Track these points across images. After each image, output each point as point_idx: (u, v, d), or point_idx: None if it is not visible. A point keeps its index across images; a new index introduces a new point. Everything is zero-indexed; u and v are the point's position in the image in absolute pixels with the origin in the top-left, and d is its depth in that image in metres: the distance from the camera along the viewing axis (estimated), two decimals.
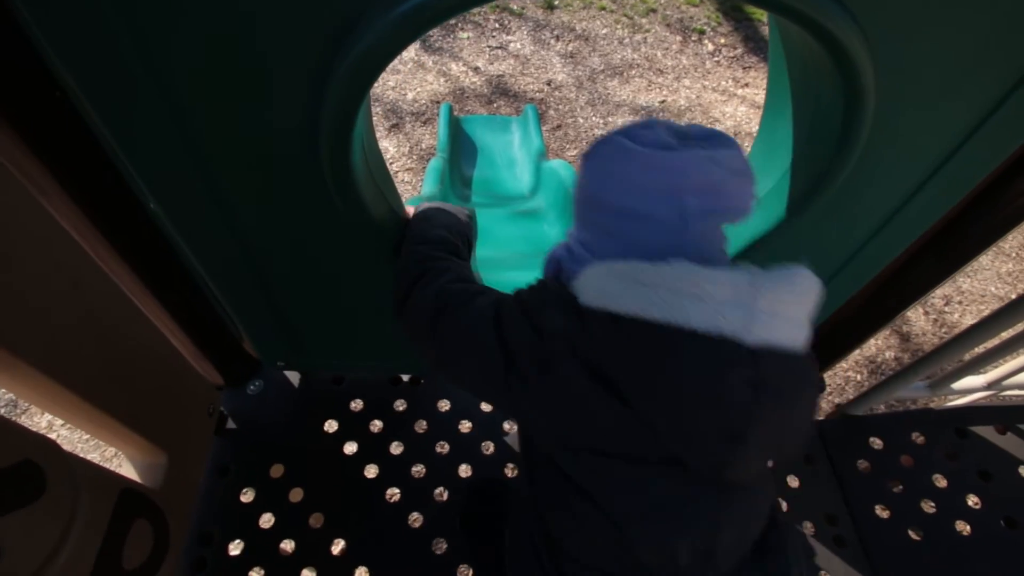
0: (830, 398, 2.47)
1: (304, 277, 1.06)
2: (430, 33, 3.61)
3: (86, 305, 0.86)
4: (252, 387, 1.32)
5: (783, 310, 0.54)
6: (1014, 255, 3.14)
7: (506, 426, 1.32)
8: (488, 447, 1.29)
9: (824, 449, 1.34)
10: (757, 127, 3.92)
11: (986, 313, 2.93)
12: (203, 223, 0.92)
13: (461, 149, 2.94)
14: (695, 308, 0.52)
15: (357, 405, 1.33)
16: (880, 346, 2.71)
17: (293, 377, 1.36)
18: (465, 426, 1.32)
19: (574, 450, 0.61)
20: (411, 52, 3.49)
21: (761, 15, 3.94)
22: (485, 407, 1.35)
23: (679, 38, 3.76)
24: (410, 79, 3.36)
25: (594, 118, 3.45)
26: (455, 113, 3.05)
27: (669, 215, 0.58)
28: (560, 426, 0.61)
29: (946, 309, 2.94)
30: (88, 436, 2.04)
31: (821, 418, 1.43)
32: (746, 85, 3.60)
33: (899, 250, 1.04)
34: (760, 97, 3.54)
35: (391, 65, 3.44)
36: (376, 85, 3.37)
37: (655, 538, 0.59)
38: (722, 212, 0.61)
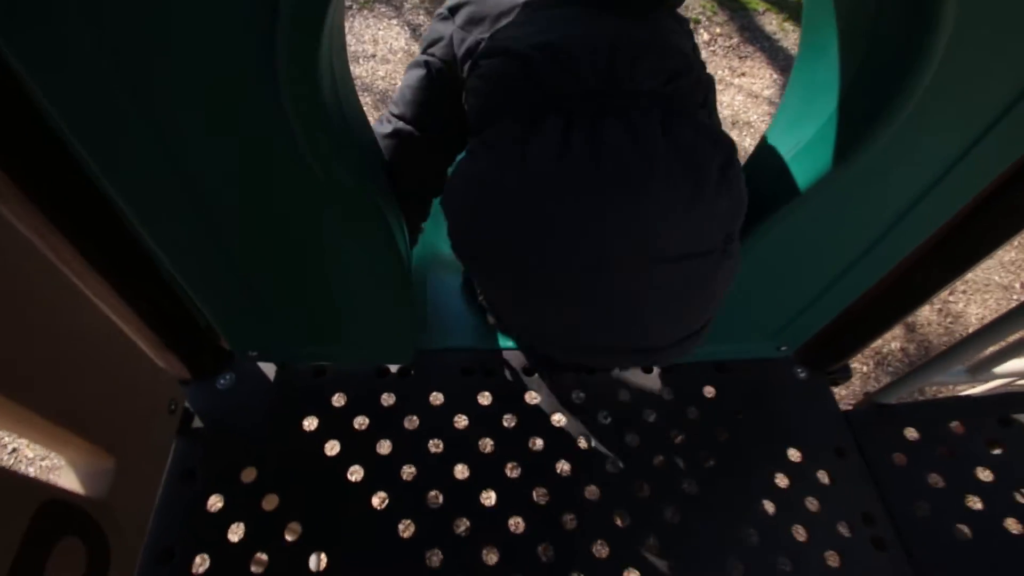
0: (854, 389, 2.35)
1: (274, 251, 0.91)
2: (421, 23, 3.47)
3: (13, 285, 0.70)
4: (222, 381, 1.16)
5: None
6: (1016, 243, 3.04)
7: (505, 421, 1.17)
8: (486, 444, 1.14)
9: (854, 440, 1.20)
10: (755, 116, 3.78)
11: (990, 302, 2.83)
12: (156, 188, 0.76)
13: None
14: None
15: (340, 400, 1.17)
16: (885, 337, 2.59)
17: (268, 370, 1.20)
18: (461, 421, 1.17)
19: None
20: (401, 42, 3.35)
21: (757, 4, 3.83)
22: (483, 400, 1.19)
23: None
24: (400, 68, 3.21)
25: None
26: None
27: None
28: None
29: (950, 299, 2.84)
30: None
31: (849, 407, 1.29)
32: (743, 74, 3.48)
33: (948, 215, 0.90)
34: (757, 86, 3.43)
35: (381, 55, 3.29)
36: (366, 75, 3.22)
37: (575, 51, 0.66)
38: None
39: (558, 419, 1.18)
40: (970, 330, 1.82)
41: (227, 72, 0.61)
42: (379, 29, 3.40)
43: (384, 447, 1.12)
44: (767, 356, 1.23)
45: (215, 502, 1.05)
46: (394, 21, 3.46)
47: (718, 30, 3.70)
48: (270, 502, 1.05)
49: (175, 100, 0.65)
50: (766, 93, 3.41)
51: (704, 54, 3.57)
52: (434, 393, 1.19)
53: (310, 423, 1.15)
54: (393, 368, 1.22)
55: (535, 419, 1.17)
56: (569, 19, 0.70)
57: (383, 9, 3.48)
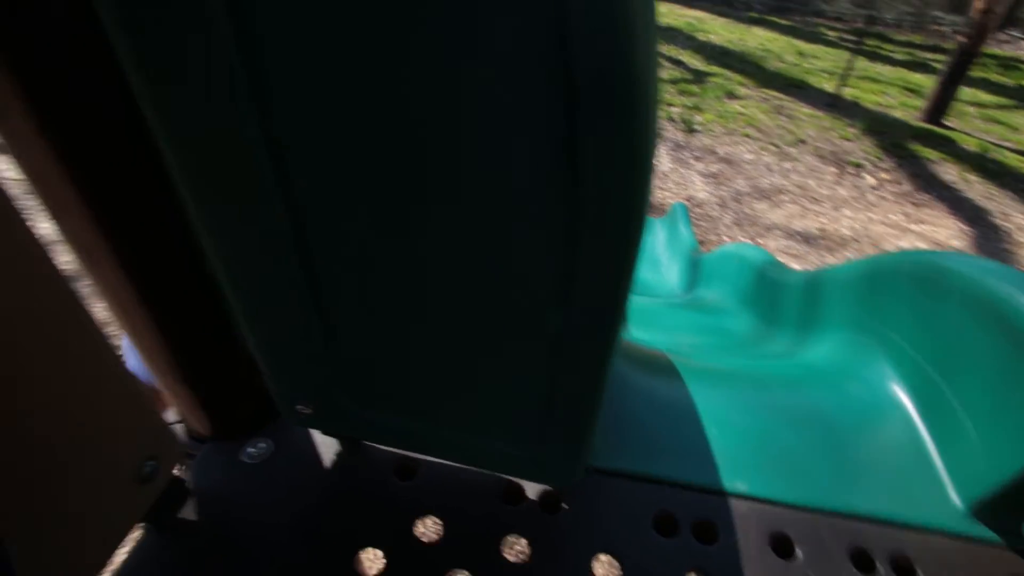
0: None
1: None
2: None
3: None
4: (252, 449, 0.65)
5: None
6: None
7: None
8: None
9: None
10: None
11: None
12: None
13: None
14: None
15: (431, 529, 0.60)
16: None
17: (325, 448, 0.68)
18: None
19: None
20: None
21: (928, 153, 3.29)
22: None
23: (834, 169, 3.16)
24: None
25: (741, 238, 2.81)
26: None
27: None
28: None
29: None
30: None
31: None
32: (921, 221, 2.84)
33: None
34: (941, 235, 2.75)
35: None
36: None
37: None
38: None
39: None
40: None
41: None
42: None
43: None
44: None
45: None
46: None
47: (885, 175, 3.17)
48: None
49: None
50: (953, 243, 2.71)
51: (870, 197, 3.02)
52: (600, 556, 0.57)
53: (371, 560, 0.58)
54: (531, 490, 0.64)
55: None
56: None
57: None
